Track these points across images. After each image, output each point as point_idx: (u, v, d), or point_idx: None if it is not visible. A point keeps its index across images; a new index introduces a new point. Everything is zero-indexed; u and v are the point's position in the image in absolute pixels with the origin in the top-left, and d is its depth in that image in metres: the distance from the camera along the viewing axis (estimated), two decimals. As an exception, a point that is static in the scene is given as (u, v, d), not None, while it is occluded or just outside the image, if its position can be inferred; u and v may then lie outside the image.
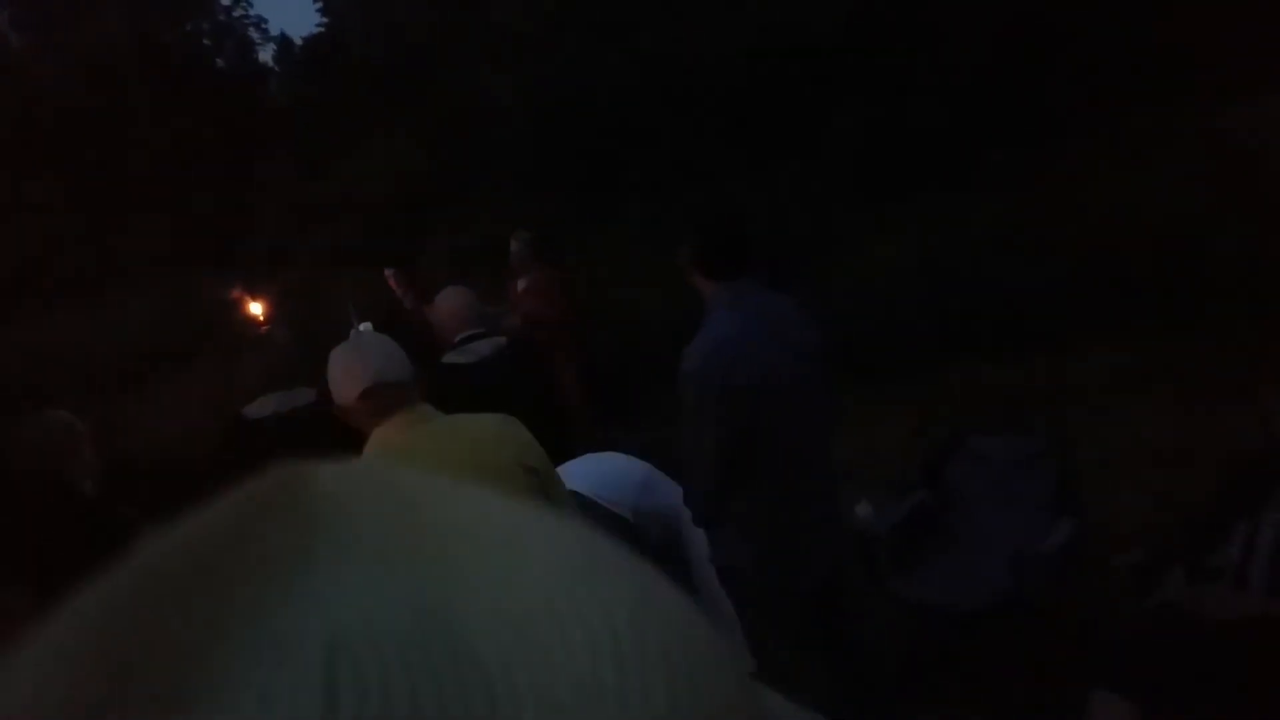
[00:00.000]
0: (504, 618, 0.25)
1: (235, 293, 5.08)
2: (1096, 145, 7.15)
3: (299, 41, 20.31)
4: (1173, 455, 4.18)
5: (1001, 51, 7.87)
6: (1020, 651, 3.13)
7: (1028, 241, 6.50)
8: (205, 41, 19.48)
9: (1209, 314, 5.33)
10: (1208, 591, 2.45)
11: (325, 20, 19.23)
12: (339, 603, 0.24)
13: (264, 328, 4.61)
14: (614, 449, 3.48)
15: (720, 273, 2.44)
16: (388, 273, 5.64)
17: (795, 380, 2.47)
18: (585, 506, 2.89)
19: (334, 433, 3.18)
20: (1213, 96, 6.82)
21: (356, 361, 2.09)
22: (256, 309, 4.77)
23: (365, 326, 5.08)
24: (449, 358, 3.38)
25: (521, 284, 5.63)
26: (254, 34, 20.14)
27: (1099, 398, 5.07)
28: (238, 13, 19.92)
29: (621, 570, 0.29)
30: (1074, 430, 4.16)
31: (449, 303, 3.49)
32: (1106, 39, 7.67)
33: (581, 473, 3.04)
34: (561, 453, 2.87)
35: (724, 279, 2.44)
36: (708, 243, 2.44)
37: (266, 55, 21.17)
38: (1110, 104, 7.39)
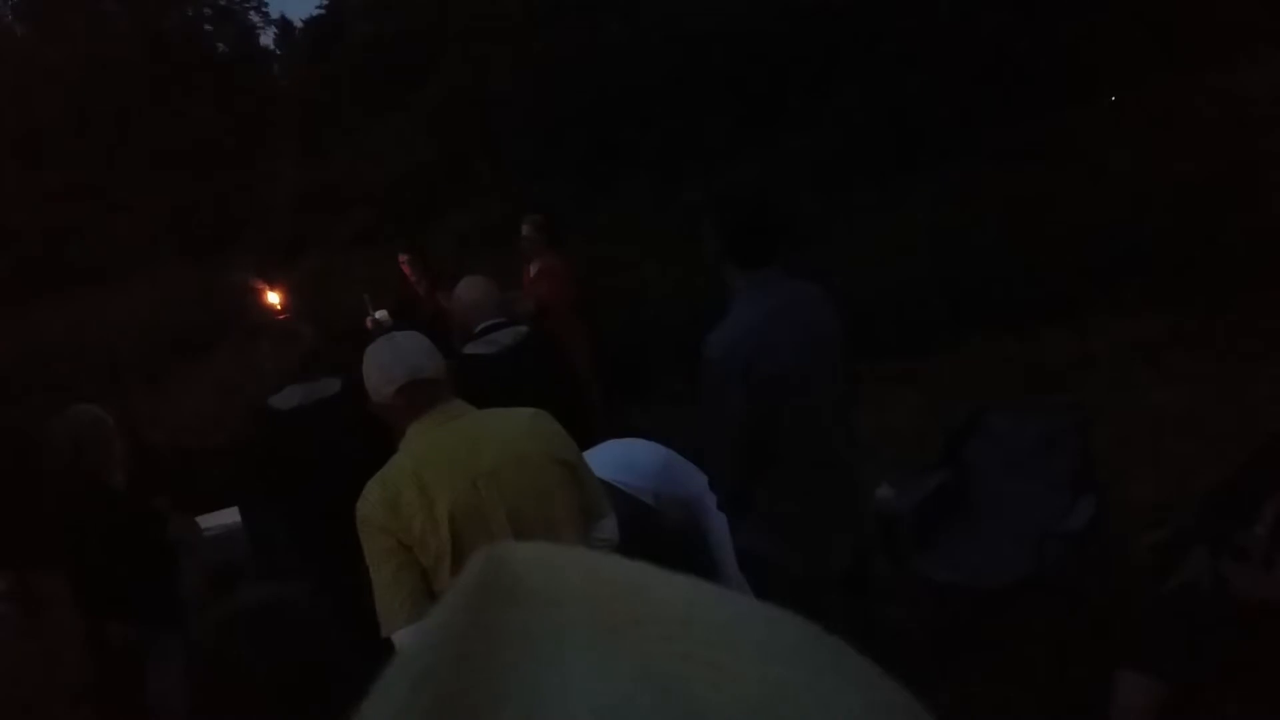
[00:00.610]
0: (747, 705, 0.26)
1: (252, 281, 5.09)
2: (1109, 113, 7.10)
3: (299, 24, 20.25)
4: (1196, 430, 4.16)
5: (1012, 19, 7.81)
6: (1044, 630, 3.16)
7: (1040, 213, 6.48)
8: (206, 27, 19.40)
9: (1231, 283, 5.29)
10: (1234, 572, 2.46)
11: (325, 1, 19.14)
12: (589, 691, 0.26)
13: (282, 316, 4.62)
14: (624, 433, 3.50)
15: (746, 260, 2.42)
16: (401, 258, 5.64)
17: (816, 371, 2.46)
18: (608, 491, 2.91)
19: (359, 424, 3.21)
20: (1225, 58, 6.77)
21: (392, 359, 2.10)
22: (274, 298, 4.78)
23: (381, 314, 5.10)
24: (470, 348, 3.39)
25: (533, 268, 5.63)
26: (254, 18, 20.08)
27: (1118, 371, 5.06)
28: (237, -4, 19.85)
29: (855, 666, 0.30)
30: (1093, 405, 4.16)
31: (470, 292, 3.48)
32: (1117, 4, 7.60)
33: (603, 458, 3.06)
34: (582, 440, 2.90)
35: (750, 267, 2.42)
36: (734, 230, 2.42)
37: (268, 39, 21.12)
38: (1124, 70, 7.33)
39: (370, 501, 1.99)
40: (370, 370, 2.12)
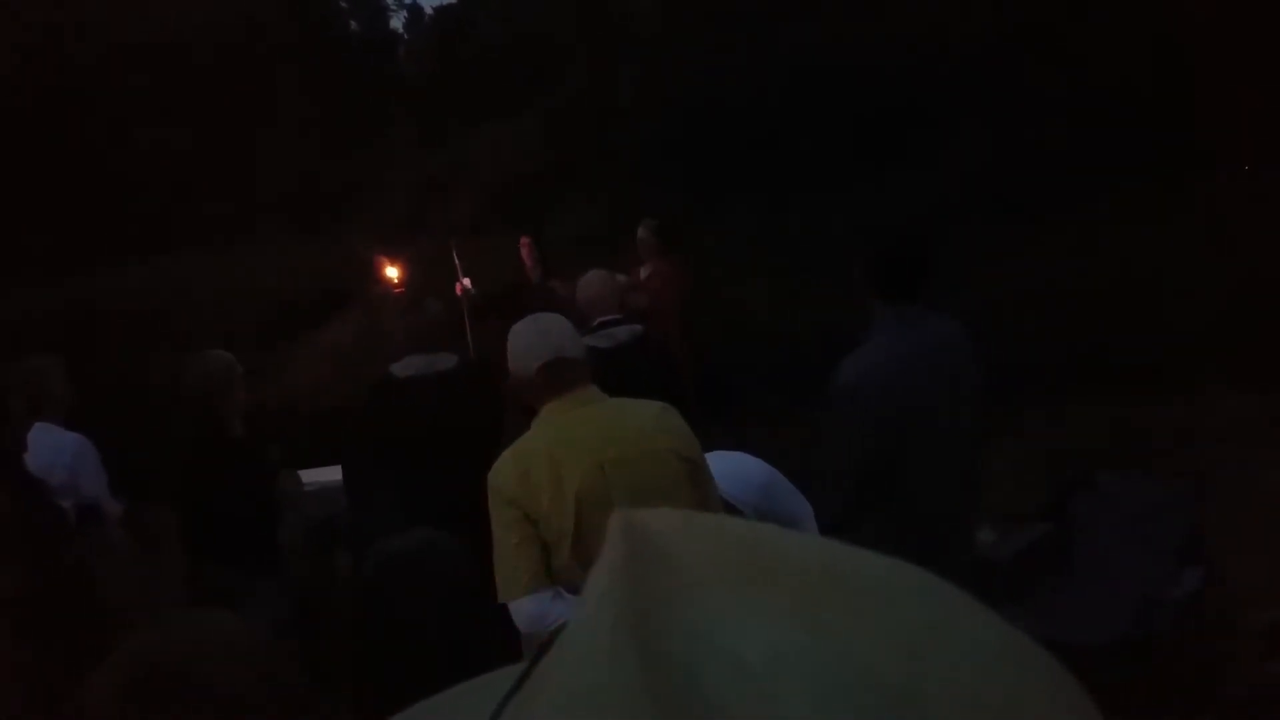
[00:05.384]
0: (897, 642, 0.28)
1: (373, 255, 5.24)
2: (1247, 182, 6.88)
3: (430, 11, 20.80)
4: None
5: (1155, 78, 7.63)
6: (1136, 697, 3.07)
7: (1162, 276, 6.31)
8: (342, 3, 20.03)
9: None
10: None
11: (457, -7, 19.60)
12: (744, 635, 0.27)
13: (398, 291, 4.74)
14: (713, 447, 3.50)
15: (890, 292, 2.41)
16: (525, 240, 5.67)
17: (947, 410, 2.42)
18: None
19: (472, 400, 3.29)
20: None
21: (539, 336, 2.16)
22: (393, 272, 4.92)
23: (467, 282, 5.17)
24: (587, 341, 3.44)
25: (644, 271, 5.69)
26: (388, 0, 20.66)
27: (1231, 445, 4.88)
28: (375, -25, 20.44)
29: (980, 606, 0.32)
30: (1203, 478, 4.03)
31: (594, 285, 3.54)
32: (1266, 74, 7.36)
33: (711, 466, 3.07)
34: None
35: (893, 299, 2.41)
36: (881, 260, 2.42)
37: (398, 22, 21.75)
38: (1265, 140, 7.10)
39: (502, 472, 2.05)
40: (517, 345, 2.17)
